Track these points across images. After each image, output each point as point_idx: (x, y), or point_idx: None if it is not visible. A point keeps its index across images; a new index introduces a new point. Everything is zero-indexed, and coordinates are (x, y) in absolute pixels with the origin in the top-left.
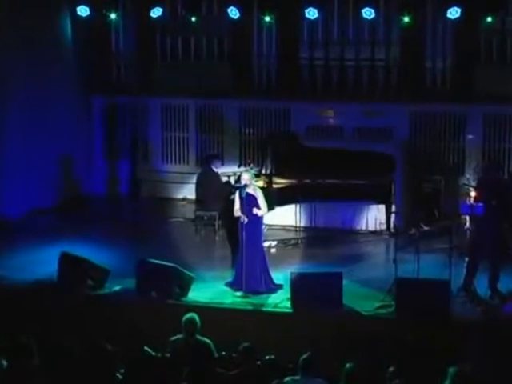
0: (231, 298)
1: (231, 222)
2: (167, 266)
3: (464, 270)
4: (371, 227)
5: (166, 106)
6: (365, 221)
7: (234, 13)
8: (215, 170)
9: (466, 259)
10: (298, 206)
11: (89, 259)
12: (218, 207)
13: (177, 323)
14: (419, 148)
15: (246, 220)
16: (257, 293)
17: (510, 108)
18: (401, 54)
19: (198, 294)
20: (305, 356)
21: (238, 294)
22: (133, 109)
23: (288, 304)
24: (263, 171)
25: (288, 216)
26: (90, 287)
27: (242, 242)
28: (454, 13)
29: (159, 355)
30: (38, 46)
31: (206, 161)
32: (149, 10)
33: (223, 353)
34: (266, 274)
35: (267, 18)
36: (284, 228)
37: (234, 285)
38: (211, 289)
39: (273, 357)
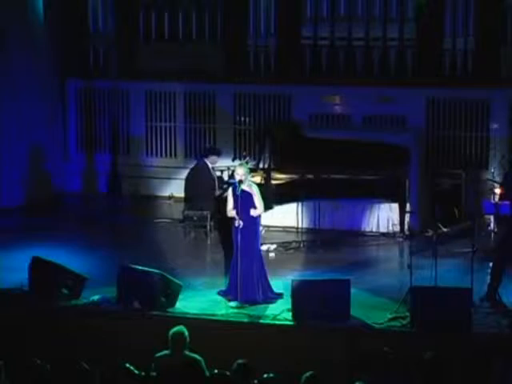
0: (224, 308)
1: (224, 223)
2: (152, 273)
3: (488, 277)
4: (383, 228)
5: (150, 91)
6: (375, 221)
7: None
8: (209, 165)
9: (490, 265)
10: (300, 204)
11: (63, 265)
12: (210, 206)
13: (163, 337)
14: (437, 139)
15: (241, 221)
16: (253, 303)
17: None
18: (417, 33)
19: (187, 304)
20: (308, 374)
21: (233, 304)
22: (113, 94)
23: (289, 315)
24: (260, 165)
25: (289, 216)
26: (65, 297)
27: (237, 246)
28: None
29: (143, 374)
30: (4, 22)
31: (202, 154)
32: None
33: (215, 371)
34: (263, 281)
35: None
36: (284, 229)
37: (228, 294)
38: (202, 298)
39: (272, 375)
